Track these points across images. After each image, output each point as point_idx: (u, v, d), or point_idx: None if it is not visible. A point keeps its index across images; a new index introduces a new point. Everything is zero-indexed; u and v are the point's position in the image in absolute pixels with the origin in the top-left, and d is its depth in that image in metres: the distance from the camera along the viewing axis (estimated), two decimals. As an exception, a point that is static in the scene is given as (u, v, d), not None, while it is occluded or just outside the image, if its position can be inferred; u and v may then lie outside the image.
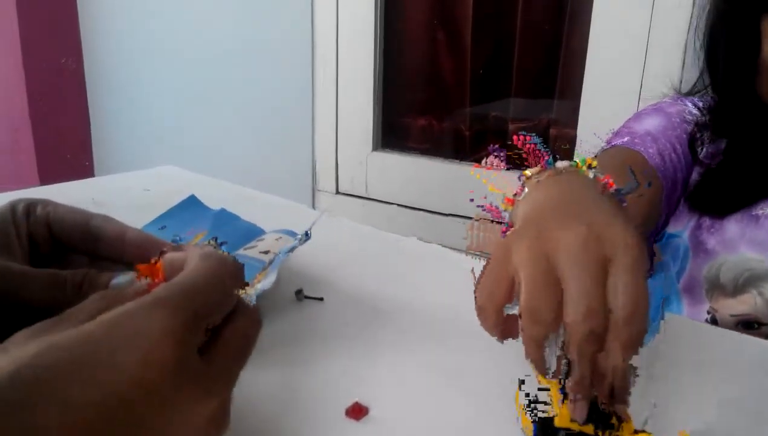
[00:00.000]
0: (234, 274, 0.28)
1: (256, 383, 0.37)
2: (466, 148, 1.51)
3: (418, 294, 0.54)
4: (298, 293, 0.53)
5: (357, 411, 0.35)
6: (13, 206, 0.35)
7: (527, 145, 0.45)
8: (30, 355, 0.21)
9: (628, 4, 1.14)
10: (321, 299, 0.53)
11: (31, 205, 0.35)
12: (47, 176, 1.84)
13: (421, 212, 1.45)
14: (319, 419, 0.35)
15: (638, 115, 0.75)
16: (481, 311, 0.35)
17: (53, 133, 1.87)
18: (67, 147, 1.92)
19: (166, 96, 1.78)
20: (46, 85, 1.83)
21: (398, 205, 1.50)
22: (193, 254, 0.27)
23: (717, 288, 0.69)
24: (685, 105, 0.74)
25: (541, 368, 0.33)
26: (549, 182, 0.42)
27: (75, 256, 0.35)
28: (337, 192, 1.59)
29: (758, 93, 0.63)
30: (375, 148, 1.53)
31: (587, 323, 0.30)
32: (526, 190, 0.42)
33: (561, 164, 0.43)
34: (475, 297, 0.35)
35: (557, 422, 0.33)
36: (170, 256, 0.29)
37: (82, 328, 0.23)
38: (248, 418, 0.34)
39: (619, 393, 0.31)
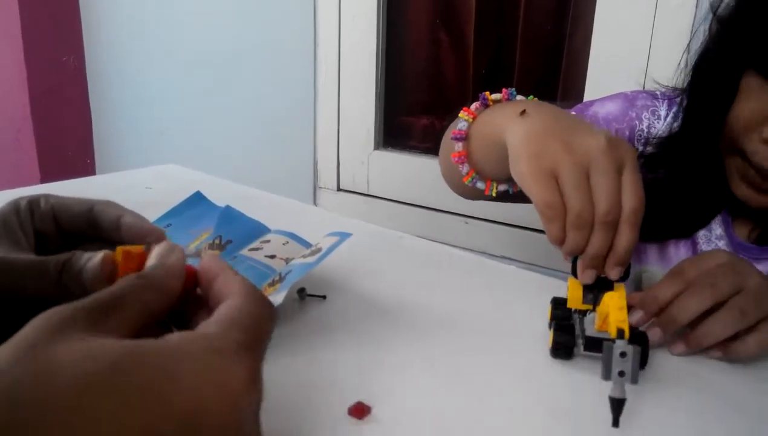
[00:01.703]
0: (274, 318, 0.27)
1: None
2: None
3: (420, 292, 0.54)
4: (301, 291, 0.53)
5: (360, 410, 0.35)
6: (16, 204, 0.35)
7: (505, 97, 0.59)
8: (125, 352, 0.21)
9: (631, 5, 1.14)
10: (323, 297, 0.53)
11: (33, 201, 0.35)
12: (49, 175, 1.84)
13: (422, 210, 1.45)
14: (321, 418, 0.35)
15: (607, 98, 0.76)
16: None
17: (55, 131, 1.87)
18: (68, 145, 1.92)
19: (168, 95, 1.78)
20: (48, 83, 1.83)
21: (400, 202, 1.50)
22: (238, 289, 0.26)
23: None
24: (652, 102, 0.72)
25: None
26: (537, 106, 0.52)
27: (88, 245, 0.35)
28: (339, 189, 1.59)
29: (718, 145, 0.61)
30: (377, 147, 1.52)
31: (611, 213, 0.42)
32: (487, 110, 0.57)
33: (521, 98, 0.60)
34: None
35: (568, 304, 0.45)
36: (163, 251, 0.28)
37: (170, 353, 0.22)
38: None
39: (621, 262, 0.43)
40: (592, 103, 0.76)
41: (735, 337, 0.44)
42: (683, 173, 0.65)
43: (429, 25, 1.51)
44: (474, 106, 0.60)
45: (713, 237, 0.67)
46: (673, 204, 0.66)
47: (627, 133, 0.72)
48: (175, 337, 0.23)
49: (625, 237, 0.42)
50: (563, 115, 0.50)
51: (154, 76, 1.79)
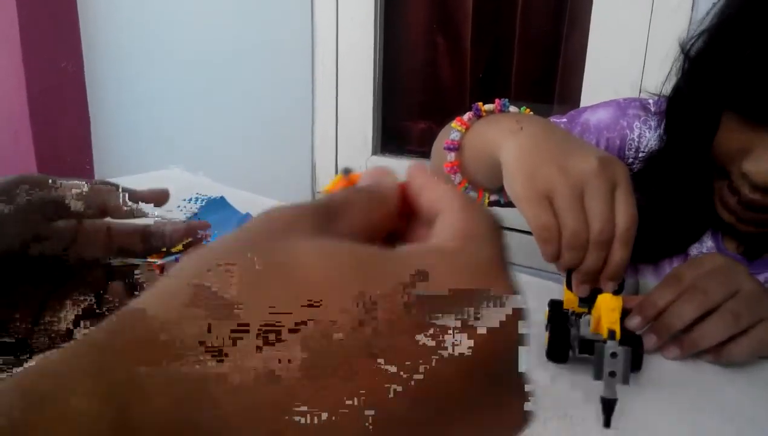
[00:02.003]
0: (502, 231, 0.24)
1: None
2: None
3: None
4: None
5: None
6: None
7: (497, 108, 0.61)
8: (368, 255, 0.18)
9: (627, 9, 1.15)
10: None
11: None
12: (47, 179, 1.84)
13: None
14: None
15: (599, 105, 0.76)
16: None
17: (53, 136, 1.87)
18: (67, 150, 1.92)
19: (166, 99, 1.78)
20: (47, 88, 1.83)
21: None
22: (458, 202, 0.22)
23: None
24: (643, 112, 0.72)
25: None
26: (530, 122, 0.52)
27: None
28: (337, 195, 1.59)
29: (706, 166, 0.61)
30: (375, 152, 1.53)
31: (605, 233, 0.43)
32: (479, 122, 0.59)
33: (514, 109, 0.62)
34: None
35: (564, 305, 0.47)
36: (375, 172, 0.25)
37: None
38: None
39: (615, 277, 0.44)
40: (584, 110, 0.77)
41: (728, 340, 0.44)
42: (671, 192, 0.65)
43: (426, 28, 1.52)
44: (467, 116, 0.61)
45: (704, 250, 0.68)
46: (664, 223, 0.66)
47: (618, 142, 0.72)
48: (414, 248, 0.20)
49: (619, 254, 0.43)
50: (555, 132, 0.51)
51: (151, 80, 1.80)
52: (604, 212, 0.43)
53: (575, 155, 0.45)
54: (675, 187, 0.65)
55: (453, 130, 0.61)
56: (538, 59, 1.43)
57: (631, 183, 0.45)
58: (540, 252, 0.45)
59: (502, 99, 0.60)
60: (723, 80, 0.55)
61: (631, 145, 0.71)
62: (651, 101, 0.73)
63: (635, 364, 0.41)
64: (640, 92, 1.19)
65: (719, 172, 0.60)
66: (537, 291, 0.56)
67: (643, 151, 0.70)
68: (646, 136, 0.71)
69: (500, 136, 0.52)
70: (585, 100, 1.23)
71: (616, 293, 0.44)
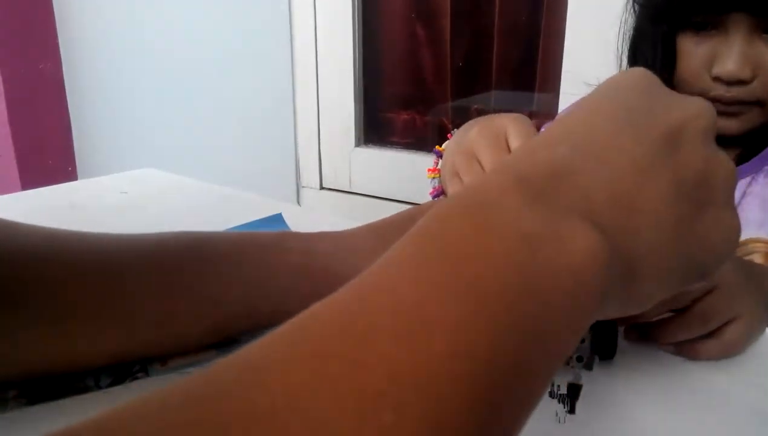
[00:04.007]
0: None
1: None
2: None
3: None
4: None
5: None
6: None
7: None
8: None
9: (604, -6, 1.15)
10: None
11: None
12: (30, 184, 1.82)
13: (404, 205, 1.46)
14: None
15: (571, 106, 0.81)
16: None
17: (34, 139, 1.85)
18: (48, 153, 1.90)
19: (147, 98, 1.77)
20: (25, 91, 1.81)
21: (383, 198, 1.50)
22: None
23: None
24: None
25: None
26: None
27: None
28: (321, 187, 1.59)
29: None
30: (358, 144, 1.53)
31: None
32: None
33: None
34: None
35: None
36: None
37: None
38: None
39: None
40: (555, 117, 0.82)
41: (696, 338, 0.42)
42: None
43: (405, 20, 1.51)
44: (433, 161, 0.64)
45: None
46: None
47: None
48: None
49: None
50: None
51: (131, 80, 1.78)
52: (490, 155, 0.44)
53: (466, 132, 0.48)
54: None
55: (431, 180, 0.64)
56: (518, 47, 1.43)
57: (523, 124, 0.45)
58: None
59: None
60: (670, 1, 0.66)
61: None
62: None
63: (608, 352, 0.40)
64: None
65: None
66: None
67: None
68: None
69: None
70: (565, 86, 1.23)
71: None
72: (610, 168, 0.22)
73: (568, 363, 0.35)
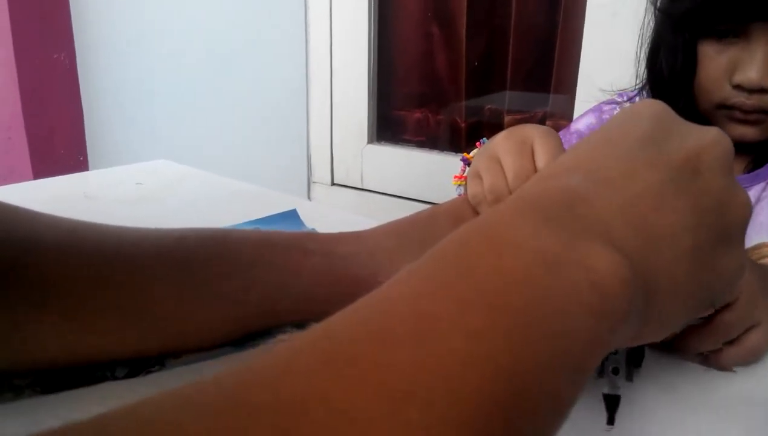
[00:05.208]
0: None
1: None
2: (462, 141, 1.51)
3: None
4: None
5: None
6: None
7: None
8: None
9: (623, -4, 1.14)
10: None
11: None
12: (42, 173, 1.83)
13: (416, 203, 1.45)
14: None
15: (582, 115, 0.84)
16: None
17: (46, 129, 1.86)
18: (60, 143, 1.90)
19: (160, 90, 1.77)
20: (39, 81, 1.81)
21: (394, 196, 1.50)
22: None
23: None
24: (616, 101, 0.81)
25: None
26: None
27: None
28: (333, 184, 1.58)
29: (698, 108, 0.69)
30: (370, 141, 1.52)
31: (519, 176, 0.44)
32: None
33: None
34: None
35: None
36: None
37: None
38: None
39: None
40: (570, 124, 0.84)
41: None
42: None
43: (421, 18, 1.51)
44: (460, 169, 0.64)
45: None
46: None
47: None
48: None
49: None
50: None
51: (145, 72, 1.78)
52: (513, 159, 0.44)
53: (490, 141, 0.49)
54: None
55: (456, 188, 0.64)
56: (533, 48, 1.42)
57: (550, 137, 0.45)
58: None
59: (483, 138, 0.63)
60: (692, 10, 0.65)
61: None
62: (617, 95, 0.83)
63: (637, 360, 0.40)
64: (636, 78, 1.18)
65: (712, 106, 0.67)
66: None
67: None
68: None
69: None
70: (581, 88, 1.22)
71: None
72: (625, 194, 0.22)
73: (601, 375, 0.34)
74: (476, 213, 0.46)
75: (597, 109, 0.81)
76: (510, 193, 0.44)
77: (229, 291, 0.36)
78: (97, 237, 0.35)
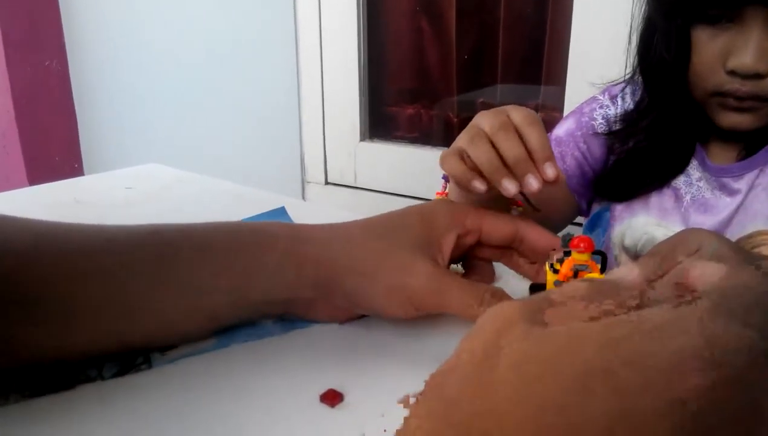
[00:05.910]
0: None
1: (229, 366, 0.38)
2: (455, 135, 1.51)
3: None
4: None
5: (332, 397, 0.35)
6: None
7: None
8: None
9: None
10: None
11: None
12: (37, 179, 1.83)
13: (410, 200, 1.46)
14: (292, 404, 0.35)
15: (563, 119, 0.84)
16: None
17: (40, 136, 1.86)
18: (55, 150, 1.91)
19: (152, 94, 1.77)
20: (32, 88, 1.82)
21: (388, 193, 1.50)
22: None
23: (624, 252, 0.75)
24: (597, 100, 0.79)
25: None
26: None
27: None
28: (327, 183, 1.59)
29: (692, 95, 0.68)
30: (363, 138, 1.52)
31: (514, 150, 0.44)
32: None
33: None
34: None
35: (546, 287, 0.44)
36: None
37: None
38: (221, 401, 0.35)
39: (546, 154, 0.44)
40: (552, 131, 0.83)
41: None
42: (654, 127, 0.71)
43: (410, 13, 1.51)
44: (441, 186, 0.65)
45: (693, 180, 0.71)
46: (649, 158, 0.72)
47: (590, 132, 0.78)
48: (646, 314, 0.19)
49: (535, 134, 0.44)
50: None
51: (137, 76, 1.78)
52: (490, 119, 0.45)
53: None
54: (658, 121, 0.71)
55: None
56: (524, 40, 1.42)
57: (535, 120, 0.45)
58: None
59: None
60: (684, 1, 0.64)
61: (601, 127, 0.77)
62: (599, 92, 0.81)
63: None
64: (626, 69, 1.19)
65: (705, 92, 0.66)
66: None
67: (614, 120, 0.76)
68: (611, 110, 0.78)
69: None
70: (570, 80, 1.22)
71: (600, 270, 0.43)
72: None
73: None
74: (451, 207, 0.46)
75: (578, 112, 0.80)
76: (503, 162, 0.45)
77: (199, 280, 0.37)
78: (75, 236, 0.36)
